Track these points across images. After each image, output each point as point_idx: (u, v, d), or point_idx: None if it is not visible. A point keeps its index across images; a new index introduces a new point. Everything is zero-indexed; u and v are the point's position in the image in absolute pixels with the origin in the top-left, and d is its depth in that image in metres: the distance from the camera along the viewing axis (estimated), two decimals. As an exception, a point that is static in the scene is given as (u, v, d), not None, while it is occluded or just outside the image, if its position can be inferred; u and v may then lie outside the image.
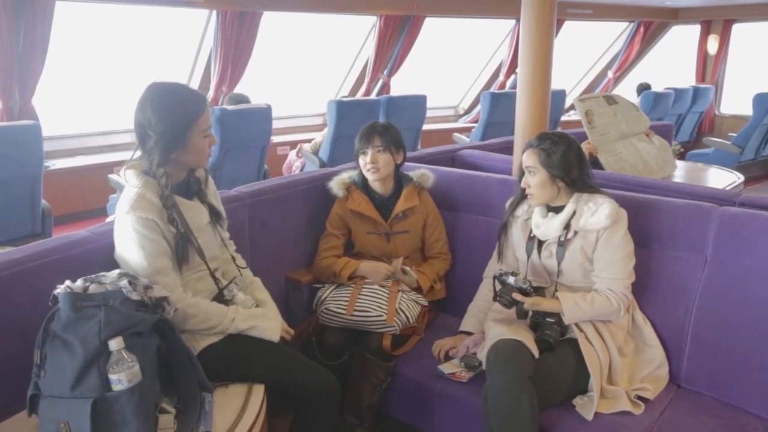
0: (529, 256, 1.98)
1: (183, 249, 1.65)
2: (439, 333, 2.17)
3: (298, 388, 1.74)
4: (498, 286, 1.90)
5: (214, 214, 1.80)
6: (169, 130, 1.60)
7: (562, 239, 1.90)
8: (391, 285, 2.19)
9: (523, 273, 1.98)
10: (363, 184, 2.31)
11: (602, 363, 1.80)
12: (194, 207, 1.73)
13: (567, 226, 1.90)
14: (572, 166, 1.89)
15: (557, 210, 1.93)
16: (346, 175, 2.34)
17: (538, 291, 1.90)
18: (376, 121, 2.31)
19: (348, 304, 2.11)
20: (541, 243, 1.97)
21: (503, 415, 1.66)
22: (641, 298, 1.98)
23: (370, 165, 2.22)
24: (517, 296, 1.85)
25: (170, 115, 1.60)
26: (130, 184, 1.63)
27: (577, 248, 1.90)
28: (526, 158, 1.93)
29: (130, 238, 1.58)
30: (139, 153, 1.67)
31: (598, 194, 1.91)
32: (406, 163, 2.36)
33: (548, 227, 1.93)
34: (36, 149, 3.44)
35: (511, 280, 1.87)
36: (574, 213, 1.89)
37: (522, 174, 1.99)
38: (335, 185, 2.31)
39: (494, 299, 1.91)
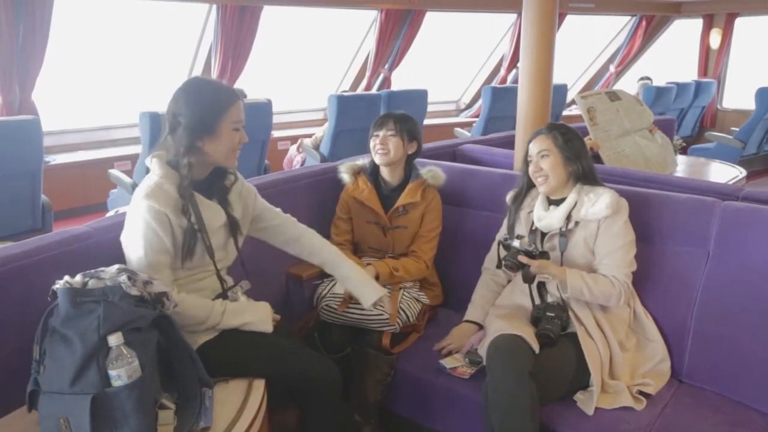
0: None
1: (190, 243, 1.64)
2: (439, 328, 2.16)
3: (298, 378, 1.73)
4: (502, 252, 1.89)
5: (232, 223, 1.77)
6: (199, 115, 1.61)
7: (563, 230, 1.90)
8: (392, 284, 2.18)
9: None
10: (372, 171, 2.31)
11: (602, 357, 1.80)
12: (211, 207, 1.71)
13: (568, 217, 1.90)
14: (582, 152, 1.93)
15: (558, 203, 1.94)
16: (360, 162, 2.36)
17: (544, 255, 1.88)
18: (391, 111, 2.31)
19: (340, 304, 2.10)
20: (543, 236, 1.96)
21: (503, 411, 1.65)
22: (643, 292, 1.98)
23: (380, 146, 2.21)
24: (523, 259, 1.83)
25: (201, 101, 1.63)
26: (153, 172, 1.64)
27: (579, 239, 1.90)
28: (537, 143, 1.94)
29: (138, 225, 1.59)
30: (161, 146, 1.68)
31: (600, 186, 1.92)
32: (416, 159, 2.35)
33: (551, 218, 1.93)
34: (36, 144, 3.44)
35: (516, 243, 1.85)
36: (575, 204, 1.89)
37: (525, 167, 1.98)
38: (344, 169, 2.34)
39: (498, 266, 1.90)
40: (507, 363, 1.69)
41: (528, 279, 1.87)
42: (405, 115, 2.27)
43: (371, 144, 2.26)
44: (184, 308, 1.62)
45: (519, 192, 2.06)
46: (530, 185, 2.03)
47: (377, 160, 2.25)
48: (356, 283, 1.93)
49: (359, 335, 2.12)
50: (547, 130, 1.95)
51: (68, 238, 1.69)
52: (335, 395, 1.78)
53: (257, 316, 1.74)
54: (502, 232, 2.10)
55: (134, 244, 1.59)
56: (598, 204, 1.86)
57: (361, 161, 2.37)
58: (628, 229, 1.89)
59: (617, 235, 1.86)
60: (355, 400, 2.06)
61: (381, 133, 2.22)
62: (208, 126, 1.62)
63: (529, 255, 1.83)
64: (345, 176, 2.32)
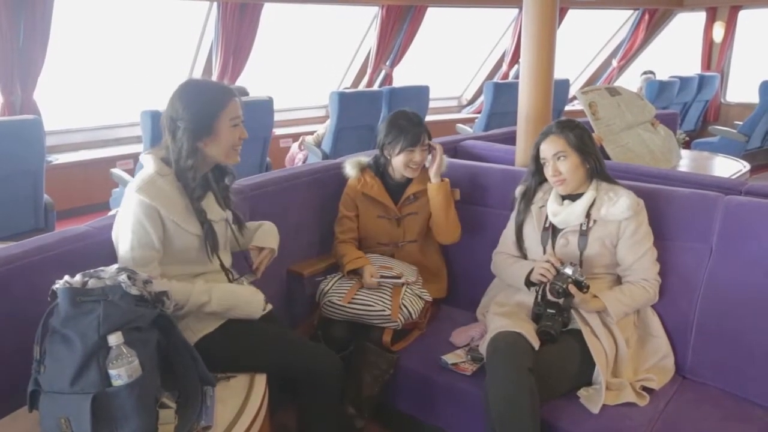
0: (545, 246, 1.95)
1: (213, 240, 1.69)
2: (442, 325, 2.16)
3: (300, 368, 1.74)
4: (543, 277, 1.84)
5: (237, 221, 1.84)
6: (197, 117, 1.62)
7: (584, 227, 1.88)
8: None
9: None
10: (377, 168, 2.31)
11: (608, 356, 1.79)
12: (209, 202, 1.73)
13: (587, 215, 1.88)
14: (593, 146, 1.91)
15: (573, 198, 1.91)
16: (364, 159, 2.35)
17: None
18: (407, 112, 2.22)
19: (346, 295, 2.11)
20: (555, 232, 1.94)
21: (503, 408, 1.65)
22: (646, 288, 1.96)
23: (416, 165, 2.20)
24: (572, 289, 1.78)
25: (197, 103, 1.63)
26: (146, 167, 1.65)
27: (598, 237, 1.88)
28: (551, 145, 1.89)
29: (128, 219, 1.60)
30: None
31: (616, 185, 1.91)
32: None
33: (569, 214, 1.90)
34: (37, 144, 3.44)
35: (569, 270, 1.80)
36: (594, 201, 1.87)
37: (534, 165, 1.96)
38: (349, 165, 2.32)
39: (528, 284, 1.89)
40: (507, 360, 1.68)
41: (565, 311, 1.83)
42: (422, 119, 2.22)
43: (401, 158, 2.18)
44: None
45: (528, 188, 2.03)
46: (539, 182, 2.01)
47: (410, 175, 2.23)
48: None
49: (361, 331, 2.11)
50: (559, 130, 1.89)
51: (68, 238, 1.68)
52: (336, 386, 1.79)
53: (249, 296, 1.73)
54: (511, 227, 2.07)
55: (123, 237, 1.60)
56: (618, 205, 1.84)
57: (365, 158, 2.37)
58: (650, 231, 1.89)
59: (644, 238, 1.87)
60: (350, 392, 2.05)
61: (418, 149, 2.17)
62: (207, 127, 1.63)
63: (578, 286, 1.79)
64: (352, 171, 2.30)
